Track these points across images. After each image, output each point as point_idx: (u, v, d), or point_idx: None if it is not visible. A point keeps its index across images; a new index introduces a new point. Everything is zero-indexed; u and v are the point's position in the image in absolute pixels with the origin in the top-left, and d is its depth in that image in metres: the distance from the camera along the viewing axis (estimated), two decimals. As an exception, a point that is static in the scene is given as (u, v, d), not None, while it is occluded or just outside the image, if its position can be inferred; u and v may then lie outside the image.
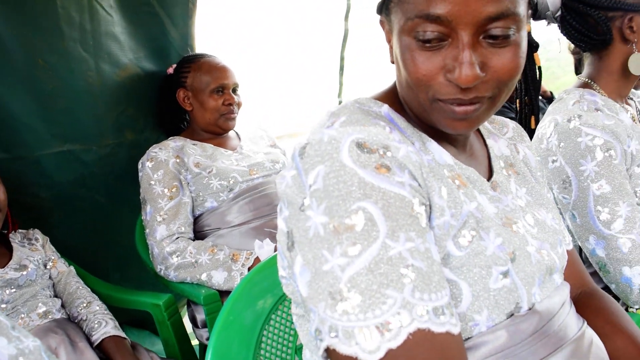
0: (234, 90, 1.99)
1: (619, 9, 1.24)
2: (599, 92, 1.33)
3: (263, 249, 1.66)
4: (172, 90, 2.01)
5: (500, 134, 0.96)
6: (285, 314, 1.11)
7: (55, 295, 1.68)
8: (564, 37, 1.41)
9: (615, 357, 0.85)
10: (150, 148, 1.88)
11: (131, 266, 2.15)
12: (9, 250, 1.64)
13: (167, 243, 1.74)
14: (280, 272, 0.80)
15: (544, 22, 1.43)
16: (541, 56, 1.57)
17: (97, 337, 1.53)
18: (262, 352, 1.06)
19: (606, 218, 1.20)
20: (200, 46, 2.31)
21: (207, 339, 1.75)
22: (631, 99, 1.44)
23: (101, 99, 1.98)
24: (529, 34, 1.37)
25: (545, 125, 1.31)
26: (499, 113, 2.94)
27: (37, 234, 1.76)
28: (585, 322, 0.85)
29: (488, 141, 0.91)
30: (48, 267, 1.70)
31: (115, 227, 2.11)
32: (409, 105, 0.78)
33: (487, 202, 0.78)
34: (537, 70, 1.43)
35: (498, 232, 0.73)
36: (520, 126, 1.02)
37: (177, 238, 1.76)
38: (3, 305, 1.51)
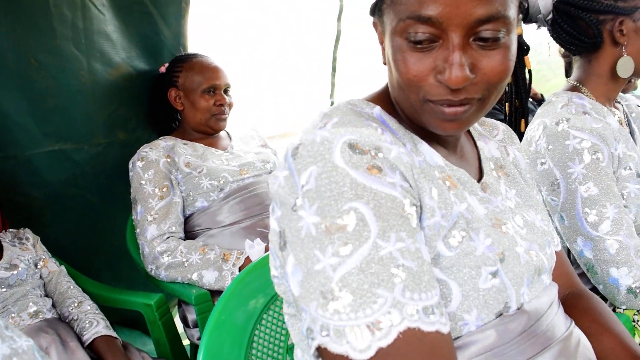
0: (226, 91, 1.99)
1: (610, 12, 1.26)
2: (587, 95, 1.35)
3: (254, 249, 1.66)
4: (164, 90, 2.01)
5: (491, 136, 0.97)
6: (277, 314, 1.11)
7: (46, 295, 1.67)
8: (554, 41, 1.43)
9: (603, 357, 0.86)
10: (141, 148, 1.88)
11: (122, 266, 2.15)
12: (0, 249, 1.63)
13: (158, 243, 1.74)
14: (272, 272, 0.81)
15: (534, 25, 1.45)
16: (532, 59, 1.58)
17: (88, 336, 1.52)
18: (254, 351, 1.06)
19: (594, 220, 1.22)
20: (194, 46, 2.31)
21: (199, 338, 1.76)
22: (619, 102, 1.46)
23: (93, 98, 1.98)
24: (520, 36, 1.39)
25: (534, 128, 1.32)
26: (490, 115, 2.96)
27: (28, 233, 1.76)
28: (573, 322, 0.87)
29: (478, 143, 0.92)
30: (39, 266, 1.70)
31: (106, 226, 2.11)
32: (401, 106, 0.79)
33: (477, 203, 0.79)
34: (528, 73, 1.45)
35: (488, 232, 0.74)
36: (511, 128, 1.03)
37: (168, 238, 1.76)
38: (-7, 305, 1.51)
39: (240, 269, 1.66)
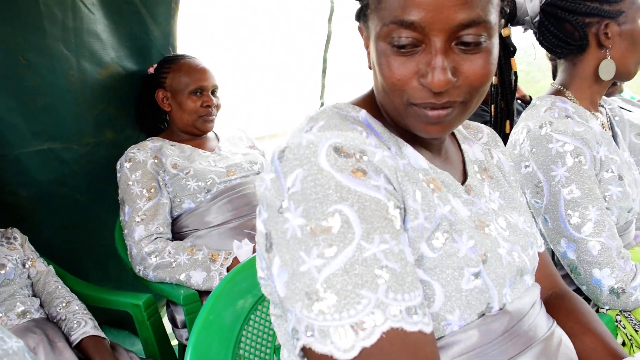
0: (213, 92, 1.99)
1: (596, 15, 1.28)
2: (570, 99, 1.37)
3: (242, 249, 1.67)
4: (152, 91, 2.01)
5: (475, 139, 0.99)
6: (265, 314, 1.12)
7: (34, 295, 1.67)
8: (539, 44, 1.45)
9: (585, 356, 0.88)
10: (129, 149, 1.88)
11: (111, 266, 2.15)
12: (-13, 249, 1.63)
13: (146, 243, 1.74)
14: (259, 273, 0.82)
15: (521, 28, 1.47)
16: (522, 60, 1.60)
17: (76, 337, 1.52)
18: (241, 351, 1.07)
19: (576, 222, 1.24)
20: (184, 45, 2.31)
21: (187, 339, 1.76)
22: (602, 106, 1.48)
23: (82, 97, 1.98)
24: (508, 38, 1.40)
25: (519, 131, 1.34)
26: (477, 116, 2.99)
27: (16, 232, 1.75)
28: (555, 322, 0.88)
29: (463, 146, 0.93)
30: (27, 266, 1.69)
31: (95, 226, 2.11)
32: (386, 110, 0.80)
33: (460, 205, 0.80)
34: (514, 75, 1.47)
35: (471, 234, 0.76)
36: (495, 132, 1.05)
37: (156, 238, 1.76)
38: (-19, 305, 1.51)
39: (228, 269, 1.67)
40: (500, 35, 1.38)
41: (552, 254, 1.39)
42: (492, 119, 1.51)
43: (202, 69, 1.97)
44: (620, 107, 2.40)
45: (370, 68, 0.79)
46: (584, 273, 1.25)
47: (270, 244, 0.69)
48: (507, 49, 1.42)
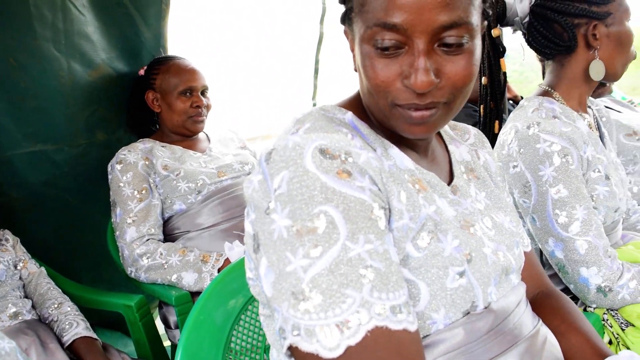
0: (203, 93, 1.99)
1: (584, 16, 1.30)
2: (558, 100, 1.38)
3: (233, 251, 1.67)
4: (142, 92, 2.01)
5: (462, 140, 1.00)
6: (255, 315, 1.13)
7: (26, 296, 1.67)
8: (527, 45, 1.46)
9: (570, 355, 0.89)
10: (119, 150, 1.88)
11: (104, 267, 2.15)
12: (-22, 250, 1.63)
13: (138, 245, 1.74)
14: (247, 274, 0.82)
15: (511, 29, 1.48)
16: (516, 60, 1.61)
17: (68, 338, 1.52)
18: (232, 351, 1.08)
19: (564, 221, 1.25)
20: (170, 49, 2.31)
21: (180, 339, 1.76)
22: (589, 107, 1.50)
23: (73, 98, 1.98)
24: (498, 38, 1.42)
25: (507, 132, 1.35)
26: (469, 117, 3.01)
27: (8, 234, 1.75)
28: (540, 321, 0.90)
29: (450, 147, 0.94)
30: (18, 267, 1.69)
31: (87, 227, 2.11)
32: (371, 111, 0.81)
33: (446, 205, 0.81)
34: (503, 76, 1.48)
35: (456, 234, 0.77)
36: (482, 133, 1.06)
37: (148, 240, 1.76)
38: (-28, 307, 1.51)
39: (219, 270, 1.68)
40: (490, 35, 1.41)
41: (541, 253, 1.40)
42: (482, 119, 1.52)
43: (191, 69, 1.97)
44: (610, 108, 2.43)
45: (356, 70, 0.80)
46: (572, 272, 1.26)
47: (257, 244, 0.70)
48: (497, 49, 1.44)
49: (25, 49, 1.84)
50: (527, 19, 1.38)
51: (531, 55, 1.49)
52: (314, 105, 2.94)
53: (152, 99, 1.99)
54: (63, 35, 1.91)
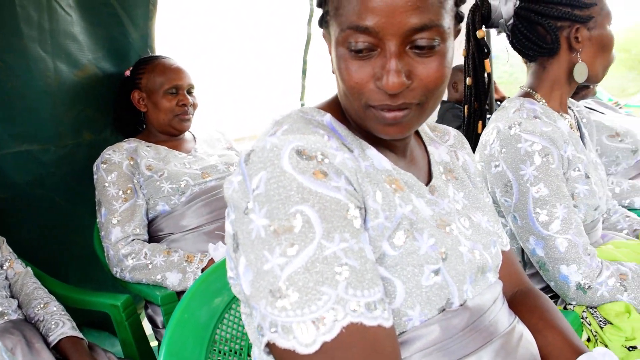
0: (189, 92, 1.99)
1: (567, 19, 1.32)
2: (539, 101, 1.41)
3: (218, 251, 1.68)
4: (128, 92, 2.01)
5: (442, 141, 1.01)
6: (239, 313, 1.14)
7: (12, 296, 1.67)
8: (511, 47, 1.48)
9: (547, 352, 0.91)
10: (104, 150, 1.88)
11: (91, 267, 2.14)
12: (-36, 251, 1.63)
13: (123, 245, 1.75)
14: (228, 273, 0.84)
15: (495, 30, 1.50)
16: (505, 61, 1.63)
17: (54, 337, 1.52)
18: (215, 349, 1.09)
19: (544, 219, 1.27)
20: (157, 49, 2.31)
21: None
22: (570, 108, 1.52)
23: (59, 99, 1.98)
24: (482, 39, 1.44)
25: (489, 132, 1.37)
26: (456, 118, 3.01)
27: (-6, 234, 1.75)
28: (517, 318, 0.91)
29: (429, 148, 0.96)
30: (4, 267, 1.69)
31: (74, 227, 2.11)
32: (348, 113, 0.82)
33: (424, 205, 0.83)
34: (487, 77, 1.50)
35: (431, 233, 0.78)
36: (461, 134, 1.08)
37: (133, 240, 1.77)
38: (-42, 306, 1.50)
39: (203, 270, 1.68)
40: (475, 37, 1.42)
41: (522, 251, 1.42)
42: (465, 119, 1.54)
43: (177, 68, 1.97)
44: (593, 110, 2.46)
45: (333, 73, 0.81)
46: (552, 269, 1.28)
47: (236, 244, 0.71)
48: (482, 50, 1.46)
49: (12, 49, 1.83)
50: (511, 21, 1.40)
51: (519, 57, 1.51)
52: (302, 105, 2.96)
53: (138, 98, 1.99)
54: (49, 35, 1.91)
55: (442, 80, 0.74)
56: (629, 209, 1.99)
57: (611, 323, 1.22)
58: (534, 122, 1.31)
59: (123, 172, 1.82)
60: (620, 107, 3.59)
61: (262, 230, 0.67)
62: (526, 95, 1.43)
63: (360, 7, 0.70)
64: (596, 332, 1.24)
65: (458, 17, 0.78)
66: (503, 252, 1.00)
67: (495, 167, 1.33)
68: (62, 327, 1.55)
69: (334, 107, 0.84)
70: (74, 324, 1.59)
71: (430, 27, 0.70)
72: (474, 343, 0.79)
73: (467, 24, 1.43)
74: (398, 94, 0.72)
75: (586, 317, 1.27)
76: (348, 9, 0.71)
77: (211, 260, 1.70)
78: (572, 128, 1.43)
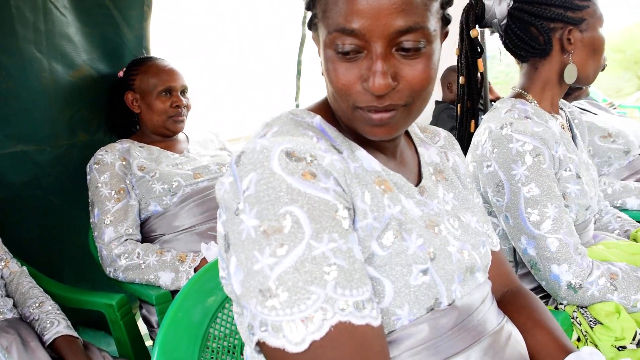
0: (183, 93, 2.00)
1: (560, 21, 1.33)
2: (530, 101, 1.42)
3: (210, 251, 1.69)
4: (121, 93, 2.01)
5: (432, 142, 1.02)
6: (232, 312, 1.15)
7: (7, 295, 1.67)
8: (504, 48, 1.50)
9: (535, 351, 0.92)
10: (97, 151, 1.88)
11: (86, 266, 2.15)
12: (-41, 250, 1.63)
13: (116, 245, 1.75)
14: (220, 273, 0.85)
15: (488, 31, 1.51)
16: (502, 61, 1.65)
17: (49, 336, 1.53)
18: (209, 348, 1.10)
19: (536, 219, 1.28)
20: (153, 51, 2.32)
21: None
22: (562, 109, 1.53)
23: (55, 99, 1.98)
24: (476, 39, 1.45)
25: (481, 132, 1.38)
26: (451, 118, 3.02)
27: (-11, 234, 1.76)
28: (506, 318, 0.92)
29: (419, 149, 0.97)
30: (0, 267, 1.70)
31: (69, 227, 2.11)
32: (337, 114, 0.83)
33: (413, 205, 0.84)
34: (480, 76, 1.51)
35: (420, 233, 0.79)
36: (452, 135, 1.09)
37: (126, 240, 1.77)
38: (-47, 306, 1.51)
39: (196, 270, 1.69)
40: (468, 36, 1.43)
41: (514, 251, 1.43)
42: (458, 119, 1.55)
43: (170, 69, 1.98)
44: (586, 110, 2.47)
45: (323, 75, 0.82)
46: (543, 269, 1.29)
47: (228, 244, 0.72)
48: (475, 49, 1.47)
49: (7, 50, 1.84)
50: (504, 21, 1.41)
51: (504, 58, 1.52)
52: (297, 106, 2.97)
53: (131, 99, 1.99)
54: (44, 36, 1.92)
55: (428, 81, 0.75)
56: (621, 210, 2.01)
57: (601, 323, 1.24)
58: (525, 122, 1.33)
59: (115, 172, 1.83)
60: (614, 108, 3.61)
61: (252, 230, 0.68)
62: (518, 95, 1.44)
63: (347, 10, 0.71)
64: (586, 332, 1.25)
65: (445, 20, 0.79)
66: (493, 252, 1.01)
67: (487, 167, 1.34)
68: (57, 326, 1.55)
69: (324, 108, 0.85)
70: (69, 323, 1.59)
71: (415, 30, 0.71)
72: (462, 342, 0.80)
73: (461, 23, 1.44)
74: (384, 95, 0.73)
75: (576, 317, 1.28)
76: (335, 11, 0.73)
77: (204, 260, 1.71)
78: (563, 128, 1.44)
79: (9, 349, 1.46)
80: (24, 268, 1.75)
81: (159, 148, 1.98)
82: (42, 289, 1.70)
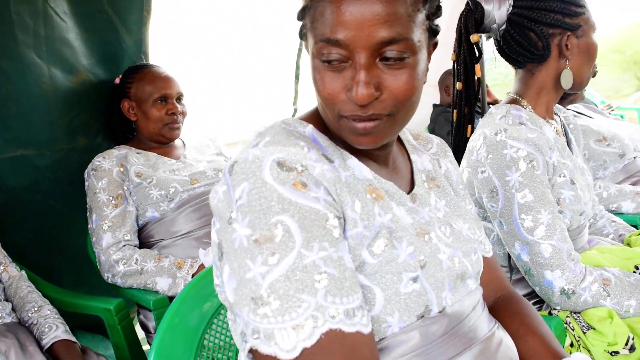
0: (179, 100, 2.01)
1: (559, 26, 1.35)
2: (525, 107, 1.43)
3: (208, 257, 1.70)
4: (118, 101, 2.02)
5: (425, 149, 1.03)
6: (227, 318, 1.16)
7: (6, 299, 1.68)
8: (499, 54, 1.50)
9: (527, 357, 0.93)
10: (95, 157, 1.89)
11: (85, 271, 2.16)
12: (-41, 254, 1.64)
13: (114, 251, 1.76)
14: (215, 281, 0.86)
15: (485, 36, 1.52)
16: (501, 64, 1.65)
17: (47, 341, 1.54)
18: (204, 354, 1.11)
19: (529, 225, 1.29)
20: (152, 52, 2.33)
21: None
22: (556, 114, 1.54)
23: (54, 104, 2.00)
24: (476, 44, 1.45)
25: (476, 138, 1.39)
26: (447, 122, 3.02)
27: (-12, 238, 1.77)
28: (497, 324, 0.93)
29: (412, 156, 0.98)
30: (-1, 271, 1.71)
31: (68, 231, 2.12)
32: (327, 123, 0.84)
33: (404, 213, 0.85)
34: (477, 82, 1.52)
35: (411, 241, 0.80)
36: (445, 142, 1.10)
37: (124, 246, 1.78)
38: (-48, 309, 1.52)
39: (193, 276, 1.70)
40: (467, 41, 1.43)
41: (509, 256, 1.44)
42: (454, 124, 1.56)
43: (166, 77, 1.98)
44: (581, 114, 2.48)
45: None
46: (537, 275, 1.30)
47: (221, 253, 0.74)
48: (474, 55, 1.47)
49: (7, 55, 1.86)
50: (503, 27, 1.42)
51: (499, 64, 1.53)
52: (295, 110, 2.98)
53: (127, 107, 2.00)
54: (44, 42, 1.93)
55: (412, 92, 0.76)
56: (617, 214, 2.02)
57: (594, 328, 1.24)
58: (519, 128, 1.34)
59: (113, 178, 1.84)
60: (612, 110, 3.62)
61: (244, 239, 0.69)
62: (513, 101, 1.45)
63: (333, 21, 0.73)
64: (579, 337, 1.26)
65: (432, 31, 0.80)
66: (485, 258, 1.02)
67: (481, 173, 1.35)
68: (55, 330, 1.56)
69: (317, 117, 0.86)
70: (67, 328, 1.60)
71: (398, 40, 0.73)
72: (453, 349, 0.81)
73: (459, 27, 1.44)
74: (367, 104, 0.75)
75: (570, 322, 1.29)
76: (322, 22, 0.74)
77: (201, 266, 1.72)
78: (558, 134, 1.45)
79: (7, 353, 1.47)
80: (23, 272, 1.76)
81: (156, 154, 1.99)
82: (40, 293, 1.71)
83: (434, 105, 3.63)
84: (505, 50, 1.44)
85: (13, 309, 1.65)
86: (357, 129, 0.77)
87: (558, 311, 1.33)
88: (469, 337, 0.84)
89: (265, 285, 0.66)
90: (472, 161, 1.38)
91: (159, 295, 1.72)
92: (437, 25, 0.81)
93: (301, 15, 0.81)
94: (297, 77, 2.85)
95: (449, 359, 0.80)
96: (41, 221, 2.06)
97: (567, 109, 2.12)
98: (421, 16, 0.75)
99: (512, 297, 1.04)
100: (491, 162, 1.32)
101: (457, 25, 1.45)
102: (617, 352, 1.21)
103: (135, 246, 1.82)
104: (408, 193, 0.90)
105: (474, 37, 1.42)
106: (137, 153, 1.96)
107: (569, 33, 1.36)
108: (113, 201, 1.81)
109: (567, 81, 1.39)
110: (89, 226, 1.84)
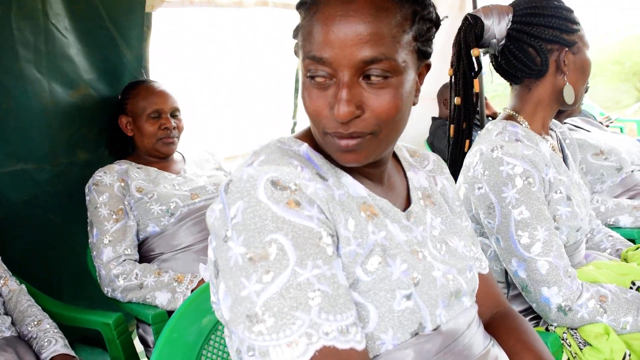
0: (174, 115, 2.01)
1: (557, 42, 1.36)
2: (522, 123, 1.44)
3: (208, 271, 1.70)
4: (116, 117, 2.04)
5: (421, 166, 1.04)
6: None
7: (6, 313, 1.68)
8: (494, 70, 1.51)
9: None
10: (96, 172, 1.90)
11: (84, 284, 2.16)
12: (-41, 268, 1.65)
13: (114, 265, 1.77)
14: (211, 298, 0.87)
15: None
16: (493, 82, 1.65)
17: (46, 355, 1.54)
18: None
19: (526, 242, 1.29)
20: (153, 64, 2.35)
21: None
22: (552, 129, 1.55)
23: (54, 118, 2.01)
24: (477, 58, 1.46)
25: (472, 154, 1.40)
26: (446, 135, 3.02)
27: (-12, 252, 1.77)
28: (492, 341, 0.94)
29: (408, 173, 0.98)
30: (-1, 285, 1.71)
31: (68, 246, 2.13)
32: (316, 140, 0.85)
33: (398, 230, 0.85)
34: (475, 96, 1.52)
35: (404, 258, 0.81)
36: (441, 159, 1.10)
37: (124, 260, 1.79)
38: (-48, 324, 1.52)
39: (192, 291, 1.70)
40: (467, 56, 1.44)
41: (506, 272, 1.44)
42: (452, 139, 1.56)
43: (160, 92, 2.00)
44: (578, 127, 2.49)
45: None
46: (534, 291, 1.30)
47: (217, 270, 0.75)
48: (473, 69, 1.48)
49: (8, 70, 1.87)
50: (502, 42, 1.43)
51: (494, 79, 1.54)
52: (295, 123, 3.00)
53: (125, 123, 2.02)
54: (45, 57, 1.95)
55: (395, 111, 0.77)
56: (614, 228, 2.02)
57: (590, 344, 1.24)
58: (515, 145, 1.34)
59: (114, 193, 1.85)
60: (611, 122, 3.63)
61: (239, 257, 0.70)
62: (509, 117, 1.46)
63: (320, 40, 0.75)
64: (576, 353, 1.26)
65: (421, 52, 0.80)
66: (482, 274, 1.03)
67: (478, 189, 1.35)
68: (54, 344, 1.56)
69: (311, 136, 0.87)
70: (66, 342, 1.60)
71: (380, 60, 0.74)
72: None
73: (459, 42, 1.45)
74: (349, 122, 0.76)
75: (566, 339, 1.29)
76: (310, 41, 0.76)
77: (201, 281, 1.73)
78: (554, 150, 1.46)
79: (6, 368, 1.47)
80: (23, 286, 1.76)
81: (156, 169, 1.99)
82: (40, 307, 1.71)
83: (433, 118, 3.65)
84: (503, 65, 1.45)
85: (13, 323, 1.65)
86: (340, 146, 0.78)
87: (555, 327, 1.33)
88: (464, 355, 0.85)
89: (260, 303, 0.67)
90: (469, 177, 1.38)
91: (158, 309, 1.72)
92: (427, 47, 0.82)
93: (295, 34, 0.84)
94: (296, 90, 2.86)
95: None
96: (41, 235, 2.07)
97: (564, 123, 2.13)
98: (407, 37, 0.76)
99: (509, 313, 1.04)
100: (487, 179, 1.33)
101: (456, 39, 1.46)
102: (613, 368, 1.21)
103: (135, 261, 1.83)
104: (404, 210, 0.91)
105: (474, 52, 1.43)
106: (138, 168, 1.97)
107: (566, 49, 1.37)
108: (114, 216, 1.82)
109: (569, 96, 1.40)
110: (89, 240, 1.85)
